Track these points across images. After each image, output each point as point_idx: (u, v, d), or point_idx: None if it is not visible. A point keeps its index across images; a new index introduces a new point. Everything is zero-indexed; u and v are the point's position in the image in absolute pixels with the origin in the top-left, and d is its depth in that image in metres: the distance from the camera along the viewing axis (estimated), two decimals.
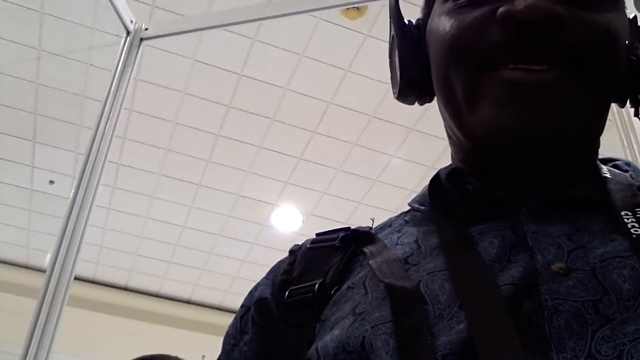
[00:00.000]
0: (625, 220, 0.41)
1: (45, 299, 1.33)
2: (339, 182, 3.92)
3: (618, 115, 1.42)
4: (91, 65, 3.17)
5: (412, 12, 0.58)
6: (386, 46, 0.58)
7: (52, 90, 3.32)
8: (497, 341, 0.36)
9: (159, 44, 2.78)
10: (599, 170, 0.49)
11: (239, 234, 4.44)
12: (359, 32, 2.99)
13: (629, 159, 1.20)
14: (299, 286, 0.50)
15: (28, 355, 1.27)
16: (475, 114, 0.46)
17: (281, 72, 3.23)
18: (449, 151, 0.55)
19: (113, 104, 1.60)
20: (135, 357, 1.77)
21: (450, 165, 0.54)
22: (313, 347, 0.44)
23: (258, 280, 0.56)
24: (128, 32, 1.72)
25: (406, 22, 0.55)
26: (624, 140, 1.41)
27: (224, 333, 0.55)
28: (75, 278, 1.41)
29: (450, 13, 0.49)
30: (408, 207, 0.56)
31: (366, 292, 0.44)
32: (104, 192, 3.80)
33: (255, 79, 3.27)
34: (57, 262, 1.38)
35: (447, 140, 0.55)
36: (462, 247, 0.44)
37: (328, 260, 0.51)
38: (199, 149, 3.73)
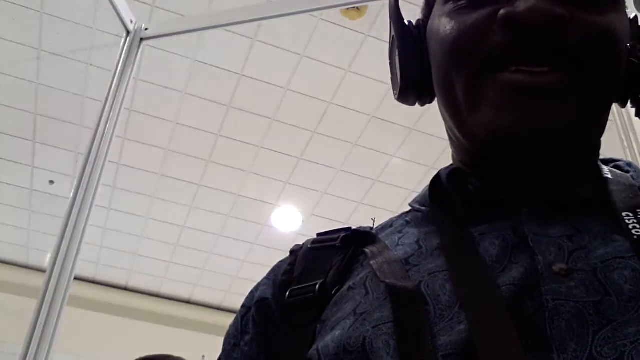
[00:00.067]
0: (627, 221, 0.41)
1: (45, 299, 1.33)
2: (339, 182, 3.92)
3: (618, 115, 1.43)
4: (91, 65, 3.17)
5: (412, 12, 0.58)
6: (386, 46, 0.58)
7: (52, 90, 3.32)
8: (497, 342, 0.36)
9: (159, 44, 2.79)
10: (600, 170, 0.49)
11: (239, 234, 4.44)
12: (359, 32, 2.99)
13: (629, 159, 1.20)
14: (300, 286, 0.50)
15: (28, 355, 1.27)
16: (476, 115, 0.45)
17: (281, 72, 3.23)
18: (449, 151, 0.55)
19: (113, 104, 1.60)
20: (135, 357, 1.77)
21: (451, 165, 0.54)
22: (314, 347, 0.44)
23: (258, 280, 0.56)
24: (128, 32, 1.72)
25: (406, 22, 0.55)
26: (624, 140, 1.41)
27: (224, 333, 0.55)
28: (75, 278, 1.41)
29: (451, 14, 0.48)
30: (408, 208, 0.56)
31: (367, 293, 0.44)
32: (104, 192, 3.80)
33: (255, 79, 3.27)
34: (57, 262, 1.38)
35: (447, 140, 0.55)
36: (463, 247, 0.44)
37: (329, 261, 0.51)
38: (199, 149, 3.73)
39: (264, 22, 2.69)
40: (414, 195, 0.56)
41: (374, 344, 0.39)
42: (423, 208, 0.53)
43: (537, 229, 0.42)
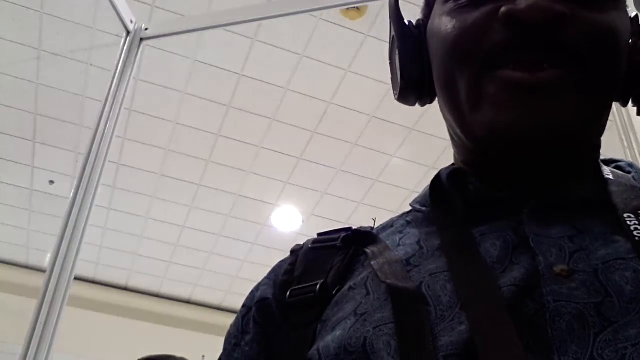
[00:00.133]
0: (628, 222, 0.41)
1: (45, 299, 1.33)
2: (339, 182, 3.92)
3: (618, 115, 1.43)
4: (91, 65, 3.17)
5: (412, 12, 0.58)
6: (386, 46, 0.58)
7: (52, 90, 3.32)
8: (498, 342, 0.36)
9: (159, 44, 2.80)
10: (601, 171, 0.49)
11: (239, 234, 4.44)
12: (359, 32, 2.99)
13: (629, 159, 1.20)
14: (301, 286, 0.50)
15: (28, 355, 1.27)
16: (477, 114, 0.46)
17: (281, 72, 3.23)
18: (449, 151, 0.55)
19: (113, 104, 1.60)
20: (135, 357, 1.77)
21: (452, 165, 0.54)
22: (314, 347, 0.44)
23: (258, 280, 0.56)
24: (128, 32, 1.72)
25: (406, 22, 0.55)
26: (624, 140, 1.41)
27: (224, 333, 0.55)
28: (75, 278, 1.41)
29: (451, 13, 0.48)
30: (409, 208, 0.56)
31: (368, 293, 0.44)
32: (104, 192, 3.80)
33: (255, 79, 3.27)
34: (57, 262, 1.38)
35: (447, 140, 0.55)
36: (464, 248, 0.44)
37: (330, 261, 0.51)
38: (199, 149, 3.73)
39: (264, 22, 2.70)
40: (414, 196, 0.56)
41: (374, 345, 0.39)
42: (424, 208, 0.53)
43: (538, 230, 0.42)
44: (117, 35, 1.84)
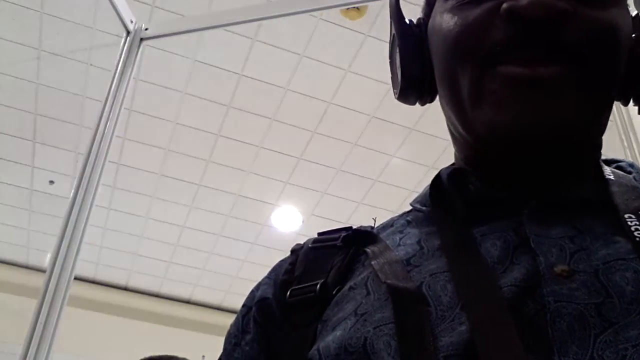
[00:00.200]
0: (629, 222, 0.41)
1: (45, 299, 1.33)
2: (339, 182, 3.92)
3: (618, 115, 1.43)
4: (91, 65, 3.17)
5: (412, 12, 0.58)
6: (386, 46, 0.58)
7: (52, 90, 3.32)
8: (498, 343, 0.35)
9: (159, 44, 2.79)
10: (601, 171, 0.49)
11: (239, 234, 4.44)
12: (359, 32, 2.99)
13: (629, 159, 1.20)
14: (301, 286, 0.50)
15: (28, 355, 1.27)
16: (478, 112, 0.45)
17: (281, 72, 3.23)
18: (449, 151, 0.55)
19: (113, 104, 1.60)
20: (135, 357, 1.77)
21: (452, 165, 0.54)
22: (314, 347, 0.44)
23: (258, 280, 0.56)
24: (128, 32, 1.71)
25: (407, 21, 0.55)
26: (624, 140, 1.41)
27: (224, 333, 0.55)
28: (75, 278, 1.41)
29: (453, 10, 0.48)
30: (409, 208, 0.56)
31: (368, 293, 0.44)
32: (104, 192, 3.79)
33: (255, 79, 3.27)
34: (57, 262, 1.38)
35: (447, 140, 0.55)
36: (465, 248, 0.44)
37: (330, 260, 0.51)
38: (199, 149, 3.73)
39: (264, 22, 2.70)
40: (414, 195, 0.56)
41: (375, 345, 0.39)
42: (424, 208, 0.53)
43: (539, 230, 0.42)
44: (117, 35, 1.83)
